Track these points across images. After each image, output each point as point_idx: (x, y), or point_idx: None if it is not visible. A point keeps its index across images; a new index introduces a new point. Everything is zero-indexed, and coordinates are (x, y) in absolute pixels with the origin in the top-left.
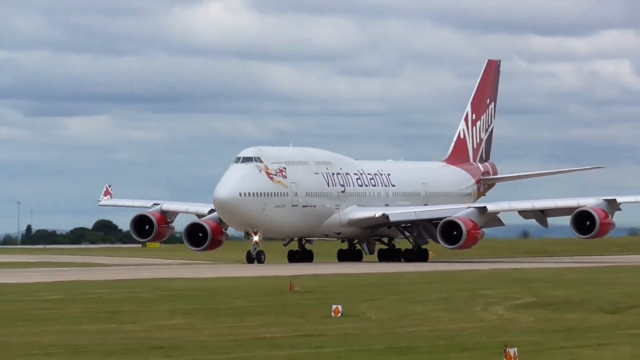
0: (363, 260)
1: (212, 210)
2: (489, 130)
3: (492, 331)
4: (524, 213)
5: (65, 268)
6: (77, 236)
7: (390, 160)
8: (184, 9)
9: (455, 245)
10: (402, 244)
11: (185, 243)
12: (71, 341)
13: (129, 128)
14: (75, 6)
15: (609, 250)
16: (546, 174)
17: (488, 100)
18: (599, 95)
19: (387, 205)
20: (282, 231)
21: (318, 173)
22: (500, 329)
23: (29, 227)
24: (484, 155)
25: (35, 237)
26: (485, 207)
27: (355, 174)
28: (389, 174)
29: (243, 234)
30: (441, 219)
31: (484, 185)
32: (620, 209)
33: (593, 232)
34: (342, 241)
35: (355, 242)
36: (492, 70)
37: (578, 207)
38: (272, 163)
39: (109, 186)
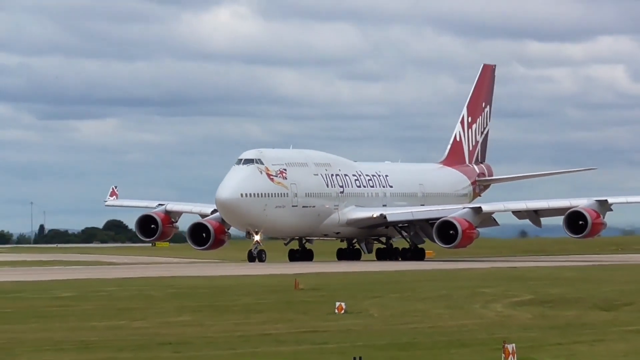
0: (362, 259)
1: (215, 211)
2: (485, 133)
3: (491, 328)
4: (518, 213)
5: (77, 266)
6: (89, 235)
7: (388, 161)
8: (192, 15)
9: (451, 245)
10: (400, 243)
11: (189, 242)
12: (82, 337)
13: (138, 131)
14: (87, 13)
15: (604, 250)
16: (539, 175)
17: (483, 104)
18: (594, 99)
19: (384, 205)
20: (283, 231)
21: (317, 174)
22: (499, 326)
23: (41, 227)
24: (479, 157)
25: (47, 237)
26: (480, 207)
27: (354, 175)
28: (386, 175)
29: (244, 233)
30: (437, 219)
31: (480, 186)
32: (611, 210)
33: (585, 232)
34: (341, 240)
35: (354, 241)
36: (488, 74)
37: (571, 208)
38: (272, 165)
39: (115, 187)
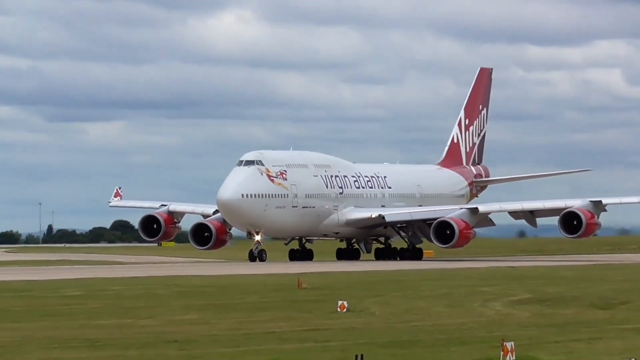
0: (361, 258)
1: (217, 211)
2: (482, 134)
3: (490, 326)
4: (514, 214)
5: (85, 266)
6: (96, 235)
7: (387, 163)
8: (197, 20)
9: (448, 245)
10: (398, 243)
11: (191, 242)
12: (90, 335)
13: (144, 133)
14: (95, 17)
15: (601, 249)
16: (534, 176)
17: (480, 107)
18: (591, 102)
19: (383, 206)
20: (283, 231)
21: (317, 175)
22: (498, 324)
23: (50, 227)
24: (476, 159)
25: (56, 237)
26: (477, 208)
27: (353, 176)
28: (385, 177)
29: (245, 233)
30: (435, 219)
31: (477, 187)
32: (605, 210)
33: (580, 232)
34: (341, 240)
35: (353, 241)
36: (485, 77)
37: (565, 208)
38: (273, 166)
39: (119, 188)
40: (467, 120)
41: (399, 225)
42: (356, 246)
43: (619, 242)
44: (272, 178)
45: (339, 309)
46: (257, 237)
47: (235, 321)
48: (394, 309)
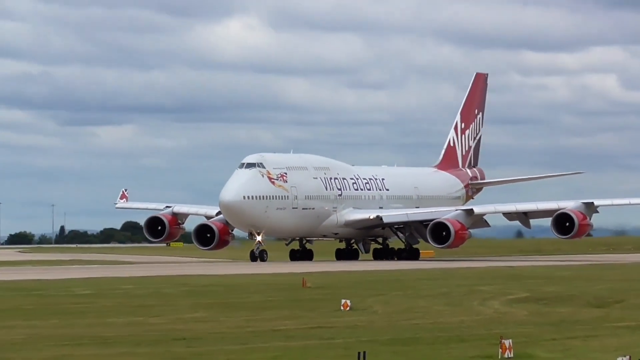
0: (359, 258)
1: (219, 212)
2: (477, 138)
3: (488, 324)
4: (508, 215)
5: (96, 266)
6: (107, 236)
7: (385, 165)
8: (205, 27)
9: (444, 245)
10: (395, 243)
11: (194, 243)
12: (101, 333)
13: (154, 136)
14: (106, 24)
15: (596, 250)
16: (528, 179)
17: (476, 111)
18: (587, 106)
19: (381, 207)
20: (283, 232)
21: (317, 178)
22: (496, 322)
23: (62, 228)
24: (472, 162)
25: (68, 237)
26: (472, 209)
27: (352, 178)
28: (383, 179)
29: (247, 234)
30: (431, 220)
31: (472, 189)
32: (597, 212)
33: (572, 233)
34: (340, 241)
35: (351, 241)
36: (480, 82)
37: (558, 210)
38: (273, 168)
39: (125, 190)
40: (463, 124)
41: (396, 226)
42: (355, 246)
43: (614, 243)
44: (272, 180)
45: (342, 308)
46: (258, 238)
47: (242, 319)
48: (396, 308)
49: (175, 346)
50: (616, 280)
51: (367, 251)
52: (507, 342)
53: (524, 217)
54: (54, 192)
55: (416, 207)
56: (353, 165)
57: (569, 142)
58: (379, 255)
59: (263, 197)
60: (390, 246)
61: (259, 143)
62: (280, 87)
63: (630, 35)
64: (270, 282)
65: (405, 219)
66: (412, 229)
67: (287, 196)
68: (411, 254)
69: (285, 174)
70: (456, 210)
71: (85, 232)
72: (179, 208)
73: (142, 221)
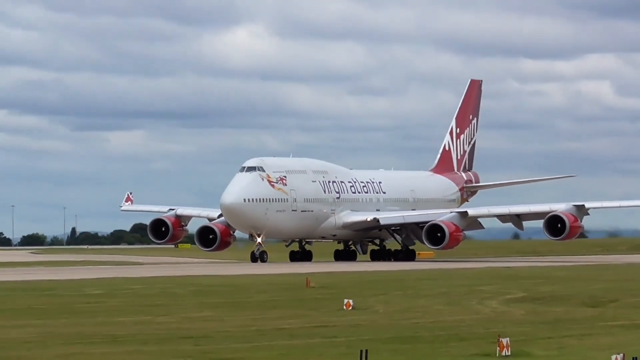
0: (357, 259)
1: (221, 215)
2: (472, 142)
3: (487, 323)
4: (502, 217)
5: (106, 266)
6: (117, 238)
7: (382, 169)
8: (213, 35)
9: (439, 246)
10: (392, 245)
11: (197, 244)
12: (110, 331)
13: (163, 141)
14: (116, 32)
15: (591, 251)
16: (521, 182)
17: (471, 116)
18: (582, 112)
19: (378, 210)
20: (283, 233)
21: (315, 181)
22: (494, 321)
23: (73, 230)
24: (467, 165)
25: (79, 239)
26: (466, 212)
27: (350, 181)
28: (380, 182)
29: (248, 235)
30: (427, 222)
31: (467, 192)
32: (588, 214)
33: (563, 234)
34: (338, 242)
35: (349, 243)
36: (475, 89)
37: (550, 212)
38: (273, 172)
39: (130, 193)
40: (458, 129)
41: (393, 228)
42: (353, 248)
43: (608, 244)
44: (272, 183)
45: (344, 307)
46: (259, 239)
47: (247, 318)
48: (396, 307)
49: (183, 344)
50: (610, 280)
51: (364, 252)
52: (504, 341)
53: (517, 219)
54: (65, 195)
55: (412, 210)
56: (351, 169)
57: (564, 147)
58: (377, 256)
59: (263, 199)
60: (387, 247)
61: (265, 148)
62: (286, 94)
63: (623, 43)
64: (274, 282)
65: (401, 221)
66: (408, 231)
67: (287, 199)
68: (407, 255)
69: (285, 177)
70: (451, 212)
71: (96, 234)
72: (182, 210)
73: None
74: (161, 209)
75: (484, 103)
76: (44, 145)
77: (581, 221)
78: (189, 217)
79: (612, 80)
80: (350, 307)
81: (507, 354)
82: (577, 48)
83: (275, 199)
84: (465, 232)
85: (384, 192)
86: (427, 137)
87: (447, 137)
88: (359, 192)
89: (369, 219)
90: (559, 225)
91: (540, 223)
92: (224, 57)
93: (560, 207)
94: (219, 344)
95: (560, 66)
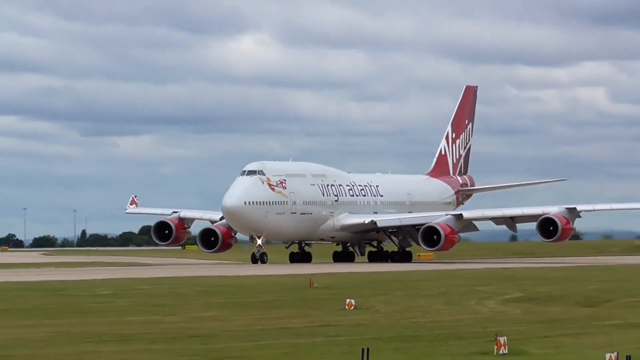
0: (355, 261)
1: (223, 217)
2: (467, 147)
3: (485, 322)
4: (496, 220)
5: (115, 267)
6: (126, 240)
7: (379, 173)
8: (219, 43)
9: (435, 248)
10: (389, 246)
11: (199, 246)
12: (120, 330)
13: (170, 146)
14: (126, 40)
15: (586, 252)
16: (514, 185)
17: (466, 121)
18: (578, 117)
19: (375, 212)
20: (283, 235)
21: (314, 184)
22: (492, 320)
23: (83, 232)
24: (462, 169)
25: (89, 241)
26: (461, 214)
27: (348, 185)
28: (377, 186)
29: (248, 237)
30: (423, 224)
31: (462, 195)
32: (580, 216)
33: (556, 237)
34: (337, 244)
35: (348, 245)
36: (470, 95)
37: (543, 215)
38: (273, 175)
39: (135, 196)
40: (454, 134)
41: (390, 230)
42: (351, 249)
43: (603, 246)
44: (272, 187)
45: (347, 307)
46: (259, 241)
47: (252, 318)
48: (397, 307)
49: (190, 343)
50: (605, 281)
51: (362, 254)
52: (502, 339)
53: (511, 221)
54: (76, 198)
55: (409, 212)
56: (349, 173)
57: (560, 151)
58: (374, 257)
59: (263, 202)
60: (384, 249)
61: (270, 152)
62: (290, 100)
63: (618, 51)
64: (277, 283)
65: (398, 224)
66: (405, 233)
67: (286, 202)
68: (404, 256)
69: (285, 180)
70: (446, 215)
71: (105, 236)
72: (185, 213)
73: None
74: (165, 212)
75: (482, 109)
76: (55, 150)
77: (573, 223)
78: (191, 220)
79: (607, 86)
80: (352, 307)
81: (504, 352)
82: (572, 55)
83: (275, 201)
84: (460, 234)
85: (381, 195)
86: (427, 142)
87: (443, 142)
88: (357, 195)
89: (366, 222)
90: (552, 227)
91: (535, 225)
92: (230, 64)
93: (552, 210)
94: (225, 343)
95: (557, 73)
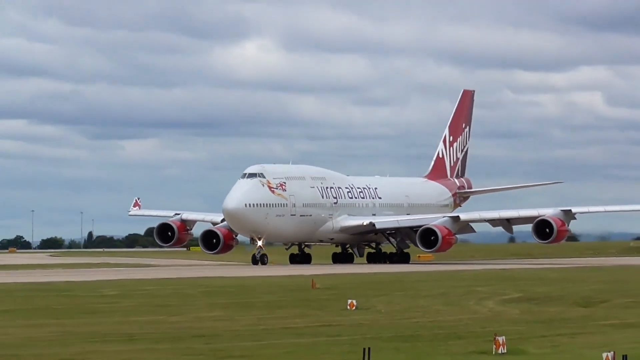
0: (354, 262)
1: (224, 219)
2: (464, 150)
3: (484, 322)
4: (492, 222)
5: (121, 268)
6: (131, 241)
7: (377, 175)
8: (223, 48)
9: (432, 249)
10: (388, 248)
11: (201, 247)
12: (126, 330)
13: (175, 149)
14: (131, 45)
15: (583, 254)
16: (510, 188)
17: (464, 125)
18: (575, 121)
19: (374, 214)
20: (283, 237)
21: (314, 187)
22: (491, 320)
23: (90, 234)
24: (459, 172)
25: (95, 242)
26: (458, 216)
27: (347, 187)
28: (375, 188)
29: (249, 239)
30: (420, 226)
31: (460, 197)
32: (575, 218)
33: (551, 238)
34: (336, 246)
35: (347, 246)
36: (467, 99)
37: (538, 217)
38: (273, 178)
39: (138, 199)
40: (451, 137)
41: (388, 231)
42: (350, 251)
43: (599, 247)
44: (272, 189)
45: (348, 307)
46: (259, 243)
47: (256, 318)
48: (398, 307)
49: (195, 343)
50: (601, 281)
51: (361, 255)
52: (500, 339)
53: (507, 223)
54: (82, 200)
55: (407, 214)
56: (348, 175)
57: (557, 154)
58: (373, 259)
59: (263, 204)
60: (382, 250)
61: (271, 155)
62: (293, 104)
63: (614, 56)
64: (280, 284)
65: (396, 225)
66: (403, 235)
67: (286, 204)
68: (402, 257)
69: (284, 183)
70: (443, 217)
71: (112, 238)
72: (187, 215)
73: None
74: (167, 214)
75: (480, 113)
76: (62, 153)
77: (568, 225)
78: (193, 222)
79: (603, 91)
80: (354, 307)
81: (503, 351)
82: (569, 60)
83: (275, 204)
84: (457, 235)
85: (380, 198)
86: (426, 145)
87: (441, 145)
88: (356, 198)
89: (365, 223)
90: (547, 229)
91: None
92: (233, 69)
93: (548, 212)
94: (229, 343)
95: (554, 78)
